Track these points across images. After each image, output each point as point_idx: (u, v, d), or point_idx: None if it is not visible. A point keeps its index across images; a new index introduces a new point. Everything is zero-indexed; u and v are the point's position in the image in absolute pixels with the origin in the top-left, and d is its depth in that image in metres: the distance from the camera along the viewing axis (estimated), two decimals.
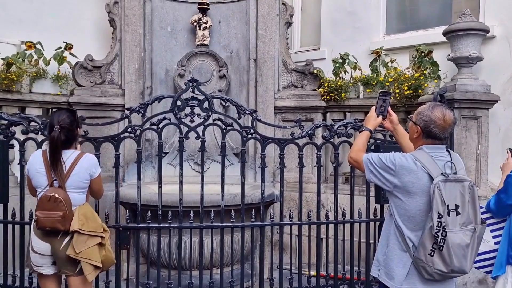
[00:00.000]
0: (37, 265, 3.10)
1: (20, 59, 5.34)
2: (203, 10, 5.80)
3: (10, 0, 5.68)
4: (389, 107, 2.91)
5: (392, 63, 5.48)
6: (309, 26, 7.07)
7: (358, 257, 4.40)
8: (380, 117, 2.91)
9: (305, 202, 5.15)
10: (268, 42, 5.79)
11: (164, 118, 3.88)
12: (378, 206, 4.37)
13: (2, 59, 5.22)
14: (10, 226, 4.04)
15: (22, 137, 3.98)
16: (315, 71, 5.76)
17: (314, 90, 5.78)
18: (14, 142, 3.99)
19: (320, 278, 4.26)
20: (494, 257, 3.20)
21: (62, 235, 3.00)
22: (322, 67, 5.93)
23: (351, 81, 5.61)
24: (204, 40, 5.83)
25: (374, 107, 2.92)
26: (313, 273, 4.46)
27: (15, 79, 5.17)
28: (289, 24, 6.02)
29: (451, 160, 2.47)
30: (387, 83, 5.26)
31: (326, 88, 5.60)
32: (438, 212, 2.31)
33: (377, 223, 4.32)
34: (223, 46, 6.03)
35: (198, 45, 5.86)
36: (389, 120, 2.94)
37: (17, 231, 4.01)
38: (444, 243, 2.31)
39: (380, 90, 2.94)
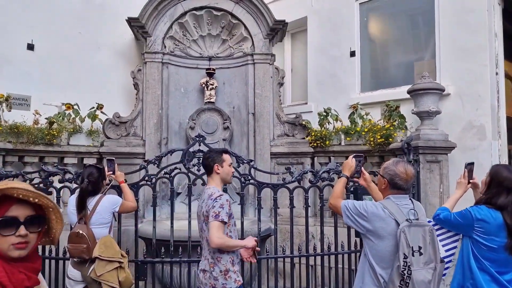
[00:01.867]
0: None
1: (61, 118, 5.41)
2: (210, 74, 5.90)
3: (53, 69, 5.80)
4: (362, 168, 2.89)
5: (367, 115, 5.51)
6: (298, 84, 7.17)
7: (342, 281, 4.30)
8: (354, 159, 2.85)
9: (297, 234, 5.08)
10: (264, 99, 5.85)
11: (176, 168, 3.88)
12: (358, 239, 4.30)
13: (46, 118, 5.29)
14: (47, 261, 4.00)
15: (58, 185, 3.99)
16: (303, 123, 5.79)
17: (303, 138, 5.79)
18: (52, 189, 4.00)
19: None
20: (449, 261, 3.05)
21: (89, 263, 3.07)
22: (310, 119, 5.96)
23: (334, 130, 5.62)
24: (211, 98, 5.91)
25: (350, 156, 2.88)
26: None
27: (56, 134, 5.23)
28: (281, 84, 6.10)
29: (414, 207, 2.45)
30: (363, 133, 5.27)
31: (313, 136, 5.62)
32: (404, 253, 2.27)
33: (358, 253, 4.24)
34: (226, 103, 6.10)
35: (206, 102, 5.93)
36: (363, 178, 2.91)
37: (52, 266, 3.97)
38: (409, 280, 2.26)
39: (353, 154, 2.90)
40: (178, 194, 5.45)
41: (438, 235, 2.99)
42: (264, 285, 4.43)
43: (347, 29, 6.21)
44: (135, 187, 3.86)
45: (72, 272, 3.16)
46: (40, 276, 1.50)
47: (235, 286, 2.80)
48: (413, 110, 4.80)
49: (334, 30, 6.37)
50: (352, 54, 6.12)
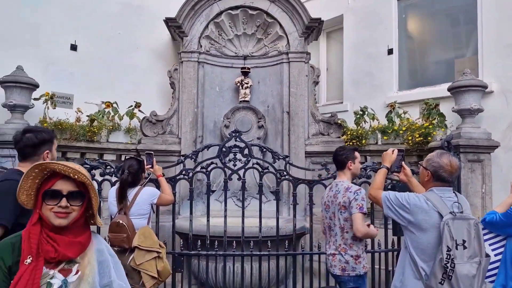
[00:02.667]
0: None
1: (101, 115, 5.62)
2: (245, 73, 5.97)
3: (94, 70, 6.04)
4: (403, 162, 2.87)
5: (404, 114, 5.42)
6: (333, 83, 7.14)
7: (379, 282, 4.23)
8: (396, 150, 2.87)
9: None
10: (299, 98, 5.86)
11: (212, 163, 3.96)
12: (395, 238, 4.23)
13: (87, 116, 5.52)
14: None
15: (99, 178, 4.15)
16: (339, 121, 5.76)
17: (339, 137, 5.75)
18: (94, 182, 4.14)
19: None
20: (496, 267, 2.99)
21: (129, 253, 3.17)
22: (345, 118, 5.93)
23: (370, 129, 5.56)
24: (246, 97, 5.98)
25: (391, 148, 2.90)
26: None
27: (96, 131, 5.44)
28: (316, 82, 6.10)
29: (458, 200, 2.40)
30: (401, 132, 5.18)
31: (349, 135, 5.58)
32: (447, 246, 2.23)
33: (395, 252, 4.17)
34: (261, 101, 6.15)
35: (240, 101, 6.00)
36: (404, 173, 2.88)
37: None
38: (452, 273, 2.21)
39: (397, 148, 2.92)
40: (213, 192, 5.53)
41: (486, 240, 2.94)
42: (299, 283, 4.41)
43: (384, 26, 6.14)
44: (172, 181, 3.96)
45: None
46: (96, 241, 1.69)
47: (363, 272, 3.13)
48: (453, 108, 4.68)
49: (371, 28, 6.31)
50: (390, 52, 6.05)
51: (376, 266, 4.15)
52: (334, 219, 3.19)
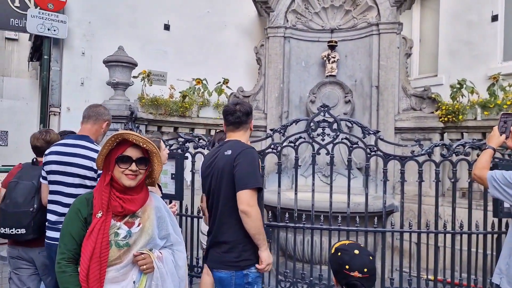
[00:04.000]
0: (204, 243, 3.48)
1: (192, 92, 5.93)
2: (332, 47, 5.85)
3: (186, 48, 6.37)
4: (511, 128, 2.65)
5: (510, 87, 4.94)
6: (427, 55, 6.70)
7: (476, 267, 4.00)
8: (503, 136, 2.66)
9: (422, 214, 4.84)
10: (389, 71, 5.62)
11: (300, 137, 4.00)
12: (496, 220, 3.95)
13: (179, 92, 5.86)
14: (183, 218, 4.48)
15: (193, 151, 4.41)
16: (433, 96, 5.43)
17: (432, 112, 5.44)
18: (188, 155, 4.43)
19: (437, 282, 3.96)
20: None
21: None
22: (439, 92, 5.57)
23: (468, 104, 5.17)
24: (333, 71, 5.87)
25: (496, 127, 2.68)
26: (430, 277, 4.17)
27: (188, 107, 5.76)
28: (408, 55, 5.78)
29: None
30: (505, 106, 4.75)
31: (444, 110, 5.24)
32: None
33: (495, 235, 3.91)
34: (348, 76, 6.00)
35: (327, 76, 5.91)
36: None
37: (188, 223, 4.44)
38: None
39: (502, 112, 2.68)
40: (299, 166, 5.57)
41: None
42: (387, 262, 4.34)
43: None
44: (261, 155, 4.07)
45: (205, 228, 3.49)
46: (154, 200, 1.98)
47: None
48: None
49: None
50: (494, 18, 5.51)
51: (473, 249, 3.93)
52: None
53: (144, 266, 1.80)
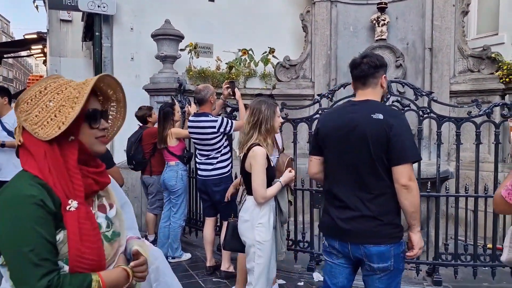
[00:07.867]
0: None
1: (238, 63, 5.97)
2: (382, 9, 5.62)
3: (230, 19, 6.37)
4: None
5: None
6: (486, 13, 6.27)
7: None
8: None
9: (480, 180, 4.62)
10: (444, 32, 5.32)
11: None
12: None
13: (226, 63, 5.91)
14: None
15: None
16: (493, 55, 5.09)
17: (492, 73, 5.11)
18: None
19: (496, 250, 3.80)
20: None
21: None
22: (501, 51, 5.20)
23: None
24: (383, 35, 5.66)
25: None
26: (488, 245, 4.00)
27: (234, 78, 5.81)
28: (465, 13, 5.43)
29: None
30: None
31: (506, 70, 4.91)
32: None
33: None
34: (399, 39, 5.76)
35: (376, 40, 5.71)
36: None
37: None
38: None
39: None
40: None
41: None
42: (442, 230, 4.21)
43: None
44: (309, 121, 4.05)
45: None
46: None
47: None
48: None
49: None
50: None
51: None
52: None
53: (139, 274, 1.32)
